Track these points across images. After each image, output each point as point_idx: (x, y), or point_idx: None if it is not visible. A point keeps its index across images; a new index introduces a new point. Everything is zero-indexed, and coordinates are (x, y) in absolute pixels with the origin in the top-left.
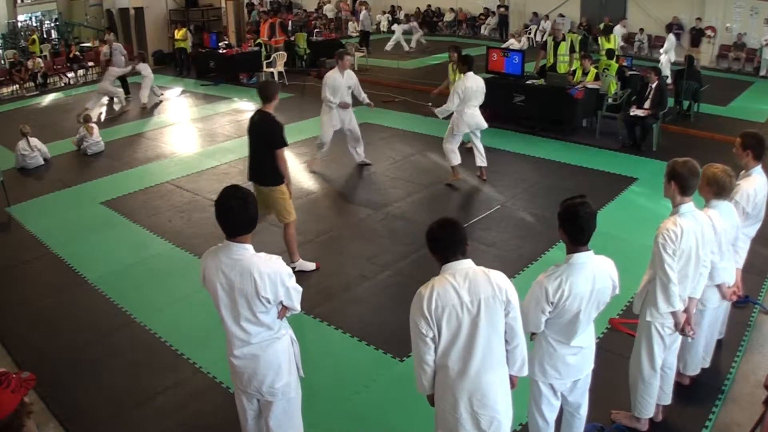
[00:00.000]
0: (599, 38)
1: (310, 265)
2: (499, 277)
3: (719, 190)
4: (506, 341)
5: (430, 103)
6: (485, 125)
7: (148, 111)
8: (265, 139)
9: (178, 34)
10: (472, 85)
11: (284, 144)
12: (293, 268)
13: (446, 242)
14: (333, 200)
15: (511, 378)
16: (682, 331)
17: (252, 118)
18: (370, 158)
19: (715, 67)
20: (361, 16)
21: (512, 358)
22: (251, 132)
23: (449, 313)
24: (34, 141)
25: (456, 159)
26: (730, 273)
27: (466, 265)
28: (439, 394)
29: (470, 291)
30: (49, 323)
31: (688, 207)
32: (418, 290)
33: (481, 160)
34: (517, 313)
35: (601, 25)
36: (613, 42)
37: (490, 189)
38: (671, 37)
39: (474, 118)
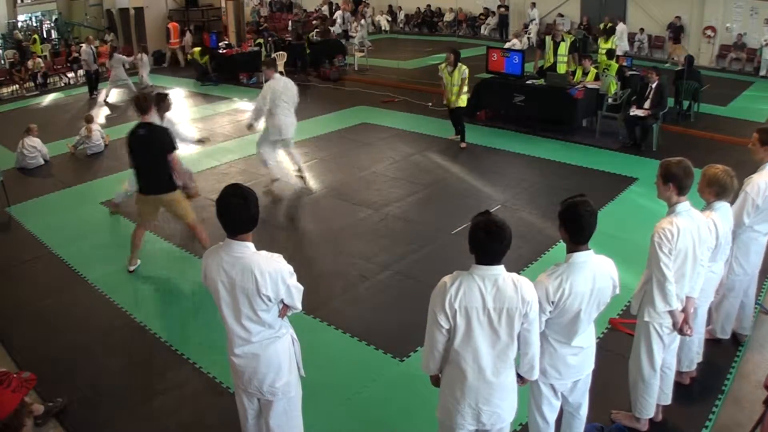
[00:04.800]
0: (599, 39)
1: None
2: (527, 289)
3: (721, 190)
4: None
5: (430, 104)
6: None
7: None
8: None
9: (196, 53)
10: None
11: None
12: None
13: (487, 251)
14: (333, 200)
15: (520, 376)
16: (681, 331)
17: None
18: (370, 158)
19: (715, 67)
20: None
21: (522, 361)
22: None
23: (470, 314)
24: (33, 141)
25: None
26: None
27: (498, 271)
28: (447, 384)
29: (496, 298)
30: (49, 323)
31: (685, 206)
32: (443, 279)
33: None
34: (532, 326)
35: (601, 25)
36: (611, 42)
37: (490, 189)
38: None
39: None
